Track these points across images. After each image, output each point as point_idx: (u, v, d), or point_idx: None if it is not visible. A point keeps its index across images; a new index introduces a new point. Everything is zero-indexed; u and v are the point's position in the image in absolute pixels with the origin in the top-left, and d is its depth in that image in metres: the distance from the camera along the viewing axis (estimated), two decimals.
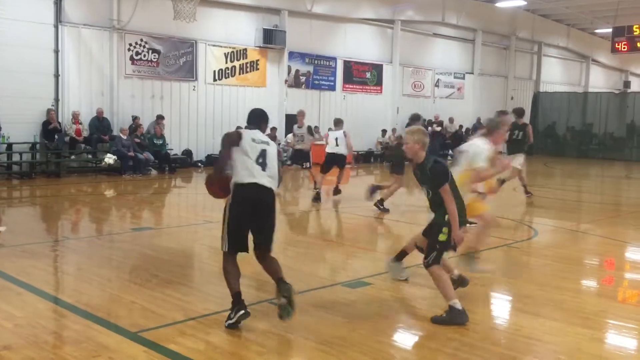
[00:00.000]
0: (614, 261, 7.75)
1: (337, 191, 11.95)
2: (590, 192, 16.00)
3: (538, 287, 6.04)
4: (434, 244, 4.97)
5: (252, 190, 4.64)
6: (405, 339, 4.70)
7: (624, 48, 19.88)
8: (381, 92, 22.71)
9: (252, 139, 4.76)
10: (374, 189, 10.71)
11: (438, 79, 24.83)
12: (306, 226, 9.40)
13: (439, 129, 23.06)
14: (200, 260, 7.20)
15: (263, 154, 4.75)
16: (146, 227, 8.74)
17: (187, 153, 17.68)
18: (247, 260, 7.13)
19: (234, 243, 4.73)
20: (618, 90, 33.20)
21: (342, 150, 11.74)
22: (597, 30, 29.76)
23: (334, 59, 21.19)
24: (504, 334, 4.79)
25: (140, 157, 15.49)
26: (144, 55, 16.70)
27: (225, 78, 18.41)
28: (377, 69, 22.54)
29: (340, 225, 10.05)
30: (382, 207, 10.37)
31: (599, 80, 33.75)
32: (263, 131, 5.04)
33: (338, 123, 12.32)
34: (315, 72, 20.70)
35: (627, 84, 34.83)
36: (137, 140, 15.72)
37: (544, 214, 11.84)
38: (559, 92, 29.07)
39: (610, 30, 21.39)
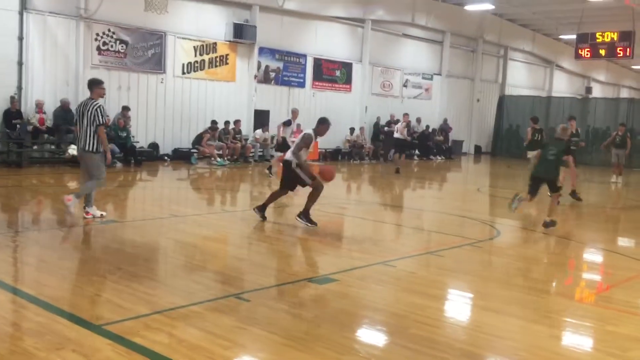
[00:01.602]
0: (574, 262, 7.97)
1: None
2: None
3: (500, 285, 6.19)
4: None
5: None
6: (370, 334, 4.76)
7: (587, 54, 20.38)
8: (350, 91, 22.82)
9: None
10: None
11: (407, 79, 25.08)
12: (276, 221, 9.40)
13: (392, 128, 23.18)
14: (166, 254, 7.15)
15: None
16: (110, 220, 8.62)
17: (154, 146, 17.47)
18: (214, 254, 7.13)
19: None
20: (580, 95, 34.03)
21: None
22: (561, 36, 30.45)
23: (304, 56, 21.21)
24: (466, 331, 4.89)
25: None
26: (112, 46, 16.44)
27: (194, 71, 18.26)
28: (347, 67, 22.64)
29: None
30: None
31: (563, 85, 34.54)
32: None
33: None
34: (285, 69, 20.68)
35: (589, 90, 35.70)
36: None
37: (506, 214, 12.07)
38: (524, 96, 29.64)
39: (574, 36, 21.88)
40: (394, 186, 15.89)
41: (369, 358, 4.16)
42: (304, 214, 8.60)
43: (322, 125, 8.89)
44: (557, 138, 9.86)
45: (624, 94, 40.30)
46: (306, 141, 8.52)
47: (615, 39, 19.53)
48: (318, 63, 21.64)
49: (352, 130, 22.15)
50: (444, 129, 26.27)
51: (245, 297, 5.24)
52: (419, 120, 24.97)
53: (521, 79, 31.56)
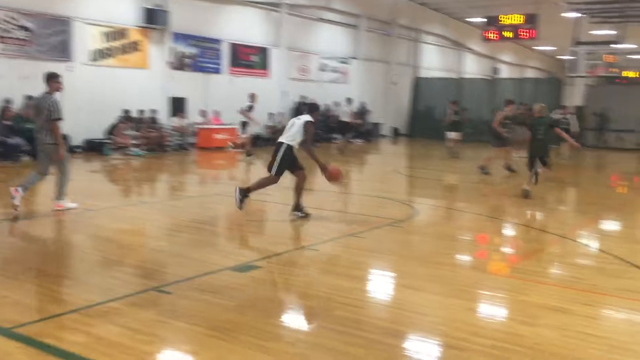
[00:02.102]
0: (486, 236, 8.31)
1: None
2: (466, 173, 16.98)
3: (419, 263, 6.37)
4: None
5: None
6: (295, 319, 4.78)
7: (494, 37, 21.16)
8: (268, 76, 22.66)
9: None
10: None
11: (323, 63, 25.18)
12: (195, 211, 9.23)
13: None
14: (81, 250, 6.86)
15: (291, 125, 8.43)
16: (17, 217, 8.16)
17: (64, 138, 16.63)
18: (132, 247, 6.91)
19: None
20: (489, 76, 35.42)
21: None
22: (470, 19, 31.48)
23: (220, 41, 20.82)
24: (389, 309, 5.00)
25: (11, 142, 14.42)
26: (13, 33, 15.48)
27: (104, 59, 17.52)
28: (264, 52, 22.45)
29: (231, 209, 9.96)
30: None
31: (473, 67, 35.80)
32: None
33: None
34: (200, 54, 20.23)
35: (496, 71, 37.22)
36: (7, 123, 14.61)
37: (423, 193, 12.45)
38: (437, 78, 30.50)
39: (482, 19, 22.64)
40: (314, 170, 15.97)
41: (294, 343, 4.18)
42: (296, 207, 8.48)
43: (316, 112, 8.81)
44: (539, 116, 10.83)
45: (529, 74, 42.31)
46: (312, 129, 8.31)
47: (520, 21, 20.38)
48: (234, 48, 21.32)
49: (271, 115, 22.03)
50: (362, 112, 26.63)
51: (166, 289, 5.12)
52: (337, 104, 25.16)
53: (434, 61, 32.44)
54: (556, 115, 18.66)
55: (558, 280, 6.05)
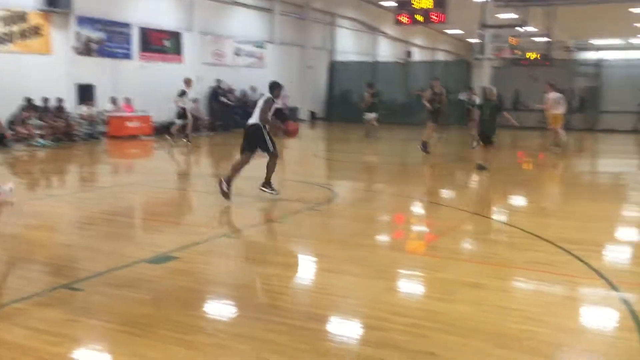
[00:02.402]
0: (403, 216, 8.48)
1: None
2: (383, 155, 17.29)
3: (339, 246, 6.39)
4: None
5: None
6: (217, 310, 4.66)
7: (406, 20, 21.50)
8: (181, 61, 22.01)
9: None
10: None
11: (239, 48, 24.77)
12: (108, 202, 8.84)
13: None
14: None
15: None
16: None
17: None
18: (40, 244, 6.52)
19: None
20: (402, 59, 36.12)
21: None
22: (383, 3, 31.87)
23: (129, 25, 19.99)
24: (311, 294, 4.99)
25: None
26: None
27: (2, 45, 16.40)
28: (176, 36, 21.76)
29: (144, 199, 9.63)
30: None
31: (386, 51, 36.37)
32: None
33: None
34: (108, 39, 19.34)
35: (409, 54, 38.00)
36: None
37: (342, 176, 12.55)
38: (352, 62, 30.77)
39: (394, 3, 22.94)
40: (229, 156, 15.75)
41: (215, 334, 4.07)
42: (267, 183, 8.70)
43: (277, 89, 8.85)
44: (487, 99, 12.21)
45: (440, 57, 43.51)
46: (269, 104, 8.51)
47: (430, 5, 20.81)
48: (144, 33, 20.52)
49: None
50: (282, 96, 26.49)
51: (77, 286, 4.87)
52: (253, 89, 24.89)
53: (349, 45, 32.67)
54: (462, 96, 19.34)
55: (472, 257, 6.26)
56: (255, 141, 8.59)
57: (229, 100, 22.52)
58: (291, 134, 10.17)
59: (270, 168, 8.72)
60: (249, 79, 24.81)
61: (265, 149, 8.58)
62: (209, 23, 22.99)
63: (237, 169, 8.62)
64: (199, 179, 11.65)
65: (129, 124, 18.72)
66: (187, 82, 16.99)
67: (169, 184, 10.39)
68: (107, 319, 4.20)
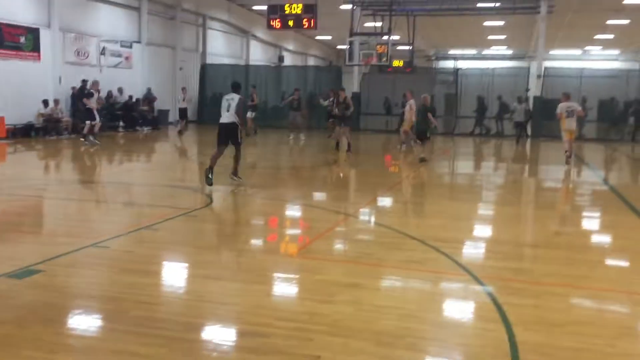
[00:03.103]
0: (281, 220, 8.51)
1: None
2: (257, 158, 17.25)
3: (217, 251, 6.28)
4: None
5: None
6: (86, 325, 4.35)
7: (278, 25, 21.65)
8: (39, 60, 20.50)
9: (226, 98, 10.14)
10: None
11: (104, 47, 23.54)
12: None
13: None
14: None
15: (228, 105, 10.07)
16: None
17: None
18: None
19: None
20: (274, 63, 36.35)
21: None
22: (255, 7, 31.87)
23: None
24: (188, 303, 4.82)
25: None
26: None
27: None
28: (33, 33, 20.21)
29: (2, 207, 8.83)
30: None
31: (258, 54, 36.41)
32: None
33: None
34: None
35: (281, 59, 38.35)
36: None
37: (217, 180, 12.31)
38: (224, 64, 30.46)
39: (266, 7, 23.04)
40: (100, 161, 14.96)
41: (87, 352, 3.82)
42: (235, 172, 10.53)
43: (239, 89, 10.59)
44: (423, 105, 15.33)
45: (311, 62, 44.36)
46: (246, 104, 10.81)
47: (301, 11, 21.13)
48: None
49: (45, 102, 20.03)
50: (149, 98, 25.55)
51: None
52: (120, 91, 23.82)
53: (220, 47, 32.31)
54: (324, 102, 20.10)
55: (348, 257, 6.40)
56: (230, 137, 10.23)
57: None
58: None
59: (237, 159, 10.48)
60: (116, 80, 23.71)
61: (237, 143, 10.32)
62: (71, 20, 21.65)
63: (215, 159, 10.31)
64: (62, 186, 10.89)
65: None
66: (96, 83, 17.79)
67: (27, 191, 9.62)
68: None
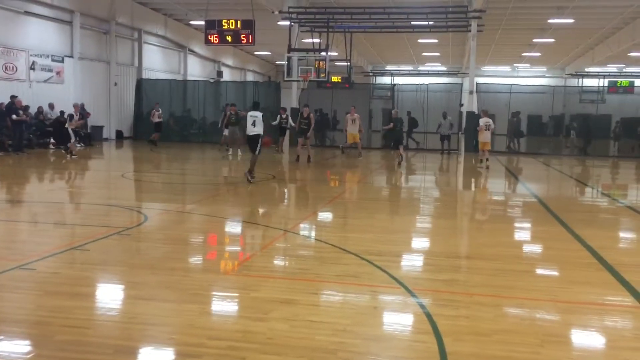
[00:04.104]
0: (216, 237, 8.42)
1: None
2: (194, 174, 17.04)
3: (150, 271, 6.13)
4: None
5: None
6: (9, 351, 4.14)
7: (216, 40, 21.56)
8: None
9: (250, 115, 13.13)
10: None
11: (34, 62, 22.77)
12: None
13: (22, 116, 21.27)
14: None
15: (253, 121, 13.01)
16: None
17: None
18: None
19: None
20: (213, 79, 36.08)
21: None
22: (192, 22, 31.62)
23: None
24: (119, 325, 4.68)
25: None
26: None
27: None
28: None
29: None
30: None
31: (196, 69, 36.08)
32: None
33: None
34: None
35: (220, 74, 38.11)
36: None
37: (152, 198, 12.10)
38: (161, 79, 30.02)
39: (203, 22, 22.92)
40: (23, 179, 14.40)
41: None
42: (251, 172, 13.11)
43: (259, 106, 13.85)
44: (395, 117, 19.21)
45: (250, 77, 44.31)
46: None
47: (239, 26, 21.12)
48: None
49: None
50: (82, 114, 24.80)
51: None
52: (52, 106, 23.06)
53: (157, 62, 31.84)
54: (275, 121, 21.01)
55: (285, 273, 6.40)
56: (253, 145, 13.09)
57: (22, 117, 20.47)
58: (265, 144, 13.55)
59: (253, 162, 13.24)
60: (47, 95, 22.97)
61: (256, 151, 13.08)
62: None
63: (253, 162, 13.26)
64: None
65: None
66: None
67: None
68: None
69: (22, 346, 4.25)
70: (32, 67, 22.66)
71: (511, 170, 19.98)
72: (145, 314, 4.85)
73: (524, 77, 43.84)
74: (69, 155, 18.35)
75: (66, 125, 18.99)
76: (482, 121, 18.48)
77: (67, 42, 24.69)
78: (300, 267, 6.56)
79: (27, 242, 7.68)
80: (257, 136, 12.98)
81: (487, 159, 18.31)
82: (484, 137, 18.31)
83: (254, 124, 12.93)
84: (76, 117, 19.03)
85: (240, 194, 12.73)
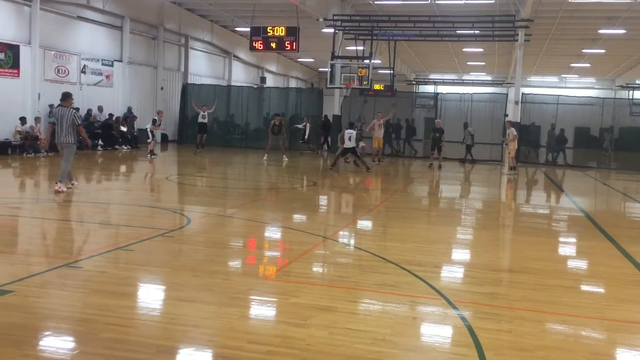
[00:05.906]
0: (256, 241, 8.49)
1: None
2: (235, 179, 17.24)
3: (192, 273, 6.23)
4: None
5: None
6: (55, 346, 4.29)
7: (260, 47, 21.83)
8: (18, 76, 20.39)
9: (347, 132, 18.35)
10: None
11: (85, 65, 23.49)
12: None
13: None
14: None
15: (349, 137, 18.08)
16: None
17: None
18: None
19: None
20: (256, 84, 36.48)
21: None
22: (237, 29, 32.09)
23: None
24: (160, 325, 4.77)
25: None
26: None
27: None
28: (13, 50, 20.14)
29: None
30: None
31: (240, 75, 36.55)
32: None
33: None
34: None
35: (263, 80, 38.51)
36: None
37: (195, 201, 12.29)
38: (206, 84, 30.50)
39: (248, 29, 23.22)
40: (78, 180, 14.81)
41: None
42: (366, 166, 17.56)
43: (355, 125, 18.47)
44: (437, 127, 21.07)
45: (292, 83, 44.63)
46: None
47: (283, 33, 21.34)
48: None
49: (23, 120, 19.86)
50: (129, 117, 25.45)
51: None
52: (100, 109, 23.71)
53: (202, 68, 32.39)
54: (299, 125, 22.17)
55: (324, 280, 6.40)
56: (353, 153, 18.15)
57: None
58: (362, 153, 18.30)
59: (358, 164, 18.32)
60: (97, 98, 23.64)
61: (356, 156, 18.30)
62: (52, 37, 21.61)
63: (338, 157, 18.27)
64: (37, 204, 10.78)
65: None
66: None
67: (1, 209, 9.49)
68: None
69: (68, 342, 4.37)
70: (83, 71, 23.37)
71: (556, 182, 19.54)
72: (186, 315, 4.93)
73: (572, 87, 42.90)
74: (149, 155, 20.43)
75: (147, 127, 20.93)
76: (513, 131, 20.27)
77: (116, 47, 25.38)
78: (339, 275, 6.56)
79: (74, 241, 7.90)
80: (353, 149, 17.87)
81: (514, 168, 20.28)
82: (513, 145, 20.21)
83: (350, 139, 17.49)
84: (158, 122, 20.87)
85: (281, 199, 12.81)
